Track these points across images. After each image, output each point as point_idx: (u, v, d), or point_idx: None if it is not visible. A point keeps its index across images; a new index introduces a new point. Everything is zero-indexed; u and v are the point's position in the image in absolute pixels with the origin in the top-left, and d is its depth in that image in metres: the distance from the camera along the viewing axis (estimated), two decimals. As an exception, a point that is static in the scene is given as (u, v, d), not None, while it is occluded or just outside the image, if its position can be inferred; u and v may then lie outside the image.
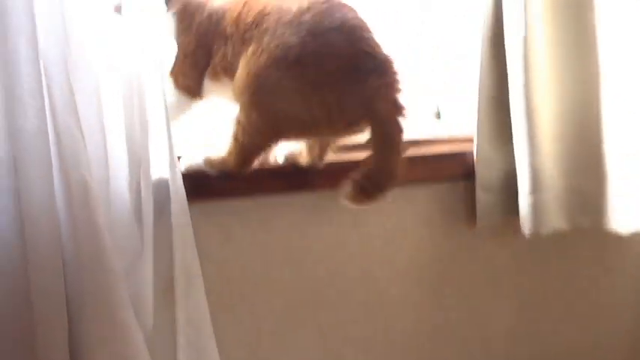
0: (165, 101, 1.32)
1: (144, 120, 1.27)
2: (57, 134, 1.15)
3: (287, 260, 1.59)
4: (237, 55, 1.38)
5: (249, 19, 1.37)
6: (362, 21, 1.37)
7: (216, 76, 1.43)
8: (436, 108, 1.92)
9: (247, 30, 1.37)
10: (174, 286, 1.35)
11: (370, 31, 1.37)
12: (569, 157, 1.61)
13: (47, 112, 1.14)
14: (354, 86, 1.32)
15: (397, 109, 1.35)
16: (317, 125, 1.38)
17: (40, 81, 1.11)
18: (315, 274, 1.61)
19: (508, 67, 1.57)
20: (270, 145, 1.44)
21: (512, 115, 1.58)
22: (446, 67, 1.84)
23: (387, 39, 1.40)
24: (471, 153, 1.64)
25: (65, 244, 1.16)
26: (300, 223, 1.59)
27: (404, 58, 1.57)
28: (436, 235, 1.69)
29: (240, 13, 1.39)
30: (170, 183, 1.34)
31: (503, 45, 1.57)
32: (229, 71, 1.40)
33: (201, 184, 1.45)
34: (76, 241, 1.15)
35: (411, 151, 1.63)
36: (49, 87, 1.13)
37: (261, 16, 1.36)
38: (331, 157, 1.55)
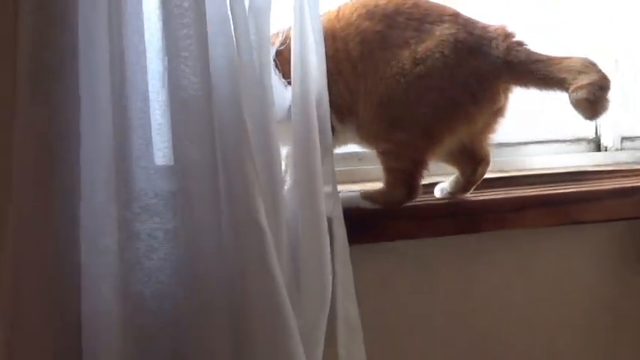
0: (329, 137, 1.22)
1: (313, 156, 1.16)
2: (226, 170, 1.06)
3: (447, 307, 1.46)
4: (355, 93, 1.31)
5: (355, 53, 1.30)
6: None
7: (340, 118, 1.33)
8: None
9: (358, 64, 1.30)
10: (337, 335, 1.23)
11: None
12: None
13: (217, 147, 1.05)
14: (479, 56, 1.30)
15: (519, 44, 1.32)
16: (464, 109, 1.30)
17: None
18: (476, 322, 1.46)
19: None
20: (428, 158, 1.32)
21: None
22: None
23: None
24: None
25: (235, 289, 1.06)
26: (462, 267, 1.44)
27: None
28: (610, 280, 1.51)
29: (338, 50, 1.30)
30: (334, 223, 1.22)
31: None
32: (353, 111, 1.32)
33: (356, 223, 1.32)
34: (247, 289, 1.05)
35: (575, 187, 1.48)
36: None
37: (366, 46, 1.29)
38: (495, 194, 1.41)
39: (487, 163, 1.39)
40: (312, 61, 1.17)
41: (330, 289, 1.18)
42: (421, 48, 1.29)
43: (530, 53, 1.30)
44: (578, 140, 1.77)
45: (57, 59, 1.01)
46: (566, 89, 1.26)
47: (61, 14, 1.00)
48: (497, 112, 1.34)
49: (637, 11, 1.72)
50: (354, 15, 1.32)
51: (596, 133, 1.77)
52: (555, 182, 1.56)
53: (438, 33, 1.30)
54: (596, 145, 1.77)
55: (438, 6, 1.35)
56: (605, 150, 1.76)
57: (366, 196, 1.32)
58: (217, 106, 1.05)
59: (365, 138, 1.33)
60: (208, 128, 1.04)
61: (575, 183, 1.55)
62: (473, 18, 1.35)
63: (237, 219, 1.06)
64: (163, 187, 1.07)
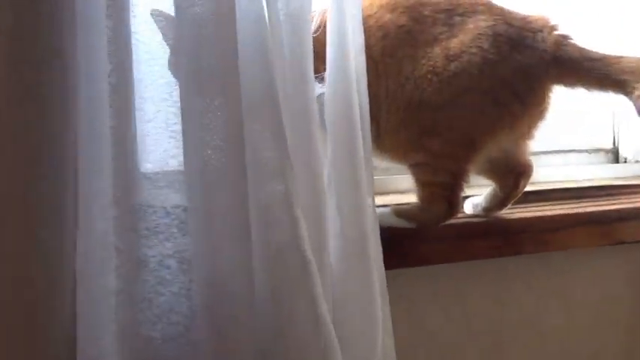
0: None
1: (356, 162, 0.96)
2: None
3: (481, 337, 1.30)
4: (375, 96, 1.10)
5: (376, 50, 1.11)
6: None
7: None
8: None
9: (379, 62, 1.11)
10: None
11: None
12: None
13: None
14: (524, 50, 1.12)
15: (566, 37, 1.15)
16: (508, 110, 1.13)
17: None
18: (512, 352, 1.30)
19: None
20: (468, 168, 1.14)
21: None
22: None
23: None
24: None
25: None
26: (497, 292, 1.28)
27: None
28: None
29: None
30: (370, 242, 1.00)
31: None
32: (372, 118, 1.10)
33: (387, 245, 1.12)
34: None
35: (612, 203, 1.34)
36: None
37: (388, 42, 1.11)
38: (528, 210, 1.27)
39: (530, 175, 1.22)
40: (350, 50, 0.97)
41: (380, 330, 0.97)
42: (454, 43, 1.11)
43: (581, 50, 1.14)
44: (596, 151, 1.64)
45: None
46: (628, 94, 1.10)
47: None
48: (541, 114, 1.18)
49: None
50: (375, 5, 1.14)
51: (614, 143, 1.65)
52: (586, 197, 1.42)
53: (471, 25, 1.13)
54: (615, 157, 1.65)
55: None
56: (625, 162, 1.63)
57: (400, 213, 1.14)
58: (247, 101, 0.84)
59: (389, 149, 1.14)
60: (235, 131, 0.83)
61: (607, 198, 1.41)
62: (507, 7, 1.19)
63: (273, 245, 0.85)
64: (177, 203, 0.85)
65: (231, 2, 0.83)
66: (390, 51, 1.11)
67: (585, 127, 1.63)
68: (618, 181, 1.55)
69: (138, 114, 0.84)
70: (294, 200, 0.85)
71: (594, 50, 1.15)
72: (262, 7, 0.85)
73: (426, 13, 1.13)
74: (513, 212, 1.26)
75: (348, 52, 0.96)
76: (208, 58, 0.82)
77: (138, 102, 0.84)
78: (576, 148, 1.63)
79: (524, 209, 1.30)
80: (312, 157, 0.90)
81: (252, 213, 0.84)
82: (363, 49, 1.00)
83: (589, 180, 1.54)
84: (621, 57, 1.13)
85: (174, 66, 0.86)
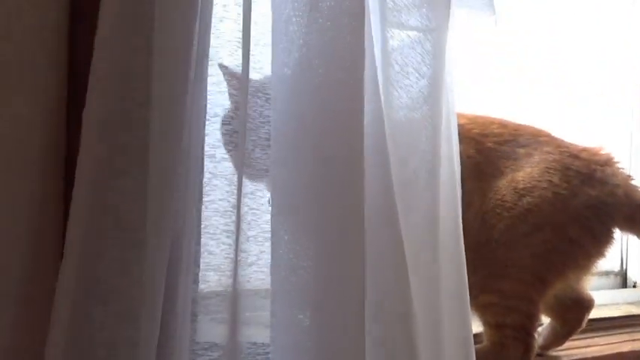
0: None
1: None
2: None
3: None
4: None
5: None
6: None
7: None
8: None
9: None
10: None
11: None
12: None
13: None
14: (595, 184, 1.09)
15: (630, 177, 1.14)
16: (581, 249, 1.08)
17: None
18: None
19: None
20: (540, 308, 1.08)
21: None
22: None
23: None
24: None
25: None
26: None
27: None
28: None
29: None
30: None
31: None
32: None
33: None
34: None
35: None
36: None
37: None
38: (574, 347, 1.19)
39: (592, 306, 1.17)
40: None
41: None
42: (521, 176, 1.06)
43: None
44: (606, 274, 1.62)
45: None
46: None
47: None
48: (608, 251, 1.13)
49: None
50: None
51: (622, 266, 1.64)
52: (615, 327, 1.38)
53: (537, 158, 1.09)
54: (623, 280, 1.64)
55: (527, 126, 1.14)
56: (634, 286, 1.62)
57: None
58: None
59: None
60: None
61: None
62: (566, 140, 1.16)
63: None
64: None
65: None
66: None
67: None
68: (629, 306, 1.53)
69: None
70: None
71: None
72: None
73: (490, 145, 1.08)
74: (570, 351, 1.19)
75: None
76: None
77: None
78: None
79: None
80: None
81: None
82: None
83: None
84: None
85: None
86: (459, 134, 1.04)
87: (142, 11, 0.67)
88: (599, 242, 1.09)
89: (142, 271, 0.67)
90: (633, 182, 1.12)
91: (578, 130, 1.41)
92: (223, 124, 0.76)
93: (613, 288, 1.63)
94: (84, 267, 0.66)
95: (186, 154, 0.70)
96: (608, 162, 1.12)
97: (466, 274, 0.87)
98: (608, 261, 1.64)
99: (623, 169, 1.13)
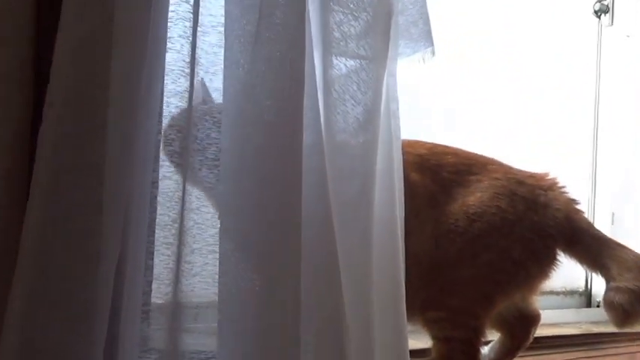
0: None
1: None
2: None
3: None
4: None
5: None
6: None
7: None
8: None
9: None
10: None
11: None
12: None
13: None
14: (539, 209, 1.15)
15: (574, 201, 1.19)
16: (525, 269, 1.13)
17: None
18: None
19: None
20: (486, 323, 1.13)
21: None
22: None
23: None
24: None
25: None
26: None
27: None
28: None
29: None
30: None
31: None
32: None
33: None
34: None
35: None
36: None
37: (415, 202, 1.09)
38: None
39: (538, 323, 1.22)
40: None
41: None
42: (472, 201, 1.13)
43: (590, 224, 1.18)
44: (572, 293, 1.68)
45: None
46: (607, 281, 1.12)
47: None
48: (551, 271, 1.18)
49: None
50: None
51: (587, 286, 1.69)
52: (573, 345, 1.43)
53: (486, 183, 1.15)
54: (587, 300, 1.69)
55: (477, 155, 1.20)
56: (598, 306, 1.67)
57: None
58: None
59: (410, 305, 1.03)
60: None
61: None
62: (510, 165, 1.22)
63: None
64: None
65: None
66: (414, 212, 1.08)
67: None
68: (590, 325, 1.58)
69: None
70: None
71: (600, 230, 1.18)
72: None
73: (444, 174, 1.14)
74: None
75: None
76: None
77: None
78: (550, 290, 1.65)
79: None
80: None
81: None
82: None
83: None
84: (622, 247, 1.15)
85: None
86: (419, 164, 1.12)
87: (98, 45, 0.74)
88: (542, 264, 1.14)
89: (92, 279, 0.72)
90: (576, 206, 1.17)
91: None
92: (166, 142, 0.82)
93: (578, 307, 1.68)
94: (36, 275, 0.72)
95: (137, 172, 0.76)
96: (551, 187, 1.18)
97: (403, 292, 0.92)
98: (574, 280, 1.71)
99: (566, 193, 1.18)
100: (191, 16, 0.78)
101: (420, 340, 1.16)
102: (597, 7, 1.77)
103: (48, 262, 0.72)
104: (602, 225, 1.44)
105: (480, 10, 1.58)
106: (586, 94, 1.76)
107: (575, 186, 1.29)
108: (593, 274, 1.65)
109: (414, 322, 1.11)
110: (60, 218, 0.73)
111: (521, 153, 1.51)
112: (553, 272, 1.17)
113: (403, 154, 1.00)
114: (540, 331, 1.44)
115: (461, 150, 1.19)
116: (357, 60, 0.86)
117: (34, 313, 0.72)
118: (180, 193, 0.77)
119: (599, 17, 1.77)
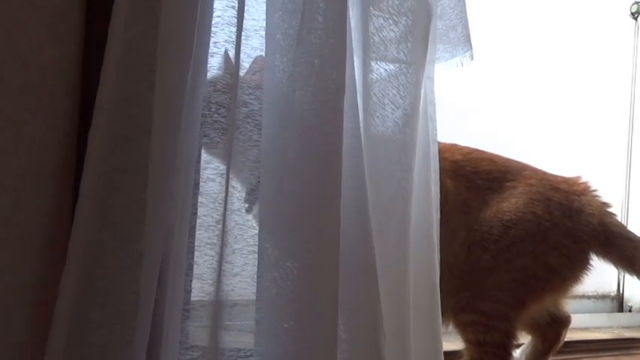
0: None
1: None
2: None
3: None
4: None
5: None
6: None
7: None
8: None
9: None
10: None
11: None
12: None
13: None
14: (573, 215, 1.15)
15: (606, 204, 1.20)
16: (558, 274, 1.15)
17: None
18: None
19: None
20: (518, 328, 1.15)
21: None
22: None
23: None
24: None
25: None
26: None
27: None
28: None
29: None
30: None
31: None
32: None
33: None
34: None
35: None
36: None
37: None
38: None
39: (569, 325, 1.23)
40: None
41: None
42: (507, 207, 1.13)
43: (622, 227, 1.18)
44: (603, 297, 1.66)
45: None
46: None
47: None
48: (584, 276, 1.19)
49: None
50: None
51: (619, 290, 1.68)
52: (604, 350, 1.42)
53: (521, 189, 1.15)
54: (619, 304, 1.68)
55: (512, 161, 1.21)
56: (630, 310, 1.66)
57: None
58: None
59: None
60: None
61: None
62: (544, 171, 1.22)
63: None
64: None
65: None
66: (444, 218, 1.08)
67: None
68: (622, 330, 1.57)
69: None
70: None
71: (633, 232, 1.18)
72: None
73: (479, 182, 1.15)
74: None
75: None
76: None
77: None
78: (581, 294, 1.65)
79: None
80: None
81: None
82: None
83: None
84: None
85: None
86: (453, 171, 1.13)
87: (145, 49, 0.76)
88: (575, 269, 1.15)
89: (137, 278, 0.75)
90: (609, 210, 1.18)
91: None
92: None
93: (610, 311, 1.67)
94: (84, 273, 0.74)
95: (180, 174, 0.78)
96: (584, 191, 1.18)
97: (439, 296, 0.93)
98: (606, 285, 1.70)
99: (599, 197, 1.19)
100: (236, 21, 0.79)
101: (452, 342, 1.16)
102: (634, 8, 1.76)
103: (95, 261, 0.74)
104: (636, 227, 1.42)
105: (515, 12, 1.57)
106: (621, 96, 1.75)
107: (609, 189, 1.29)
108: (627, 278, 1.66)
109: (444, 324, 1.12)
110: (107, 218, 0.75)
111: (555, 156, 1.50)
112: (585, 276, 1.17)
113: (440, 159, 1.01)
114: (571, 336, 1.44)
115: (497, 156, 1.20)
116: (397, 64, 0.87)
117: (80, 311, 0.74)
118: (223, 195, 0.79)
119: (635, 19, 1.76)
